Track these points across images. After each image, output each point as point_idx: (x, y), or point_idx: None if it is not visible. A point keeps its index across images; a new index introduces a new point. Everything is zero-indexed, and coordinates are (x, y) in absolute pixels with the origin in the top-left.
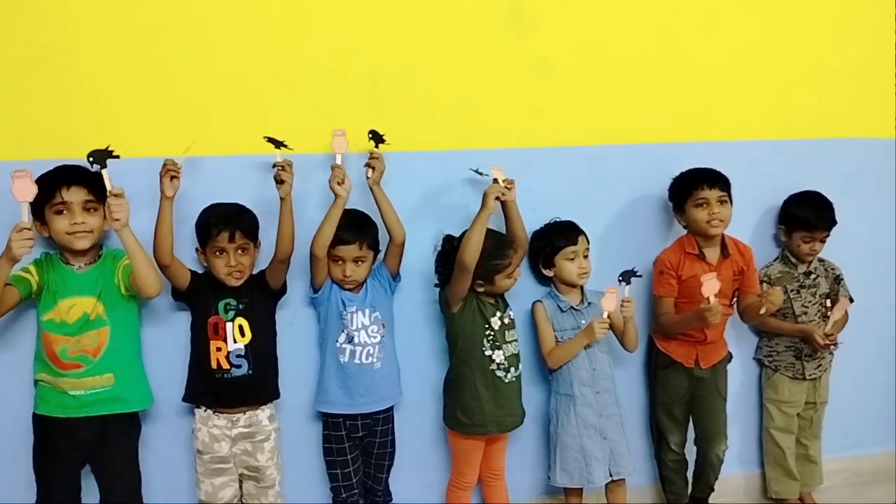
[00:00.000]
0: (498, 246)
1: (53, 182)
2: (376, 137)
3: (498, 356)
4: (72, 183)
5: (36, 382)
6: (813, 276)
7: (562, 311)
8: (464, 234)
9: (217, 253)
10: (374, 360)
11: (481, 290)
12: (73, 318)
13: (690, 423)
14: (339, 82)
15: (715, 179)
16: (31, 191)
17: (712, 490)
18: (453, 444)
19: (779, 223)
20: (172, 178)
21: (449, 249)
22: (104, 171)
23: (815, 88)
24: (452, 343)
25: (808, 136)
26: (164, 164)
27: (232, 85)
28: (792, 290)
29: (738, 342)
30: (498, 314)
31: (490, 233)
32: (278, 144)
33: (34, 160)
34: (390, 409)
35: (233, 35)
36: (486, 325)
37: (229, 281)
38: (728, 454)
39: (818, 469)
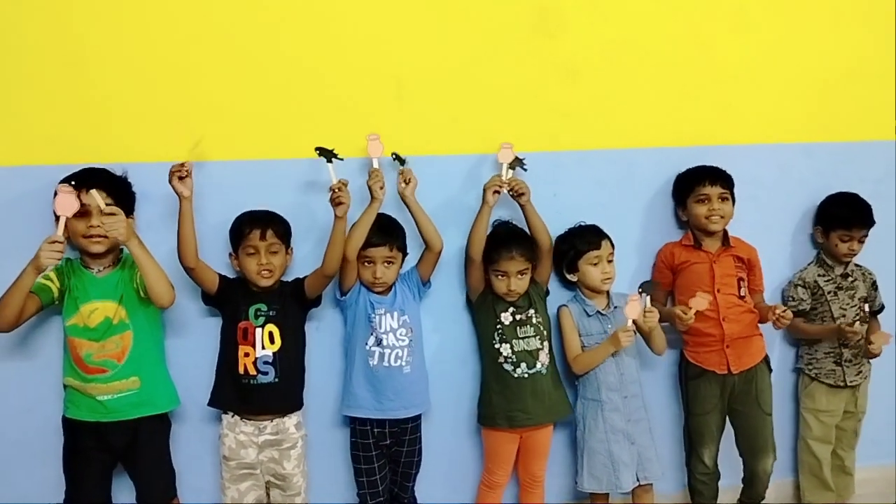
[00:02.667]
0: (496, 243)
1: (73, 185)
2: (399, 159)
3: (505, 349)
4: (91, 187)
5: (65, 387)
6: (850, 278)
7: (588, 315)
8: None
9: (249, 253)
10: (403, 363)
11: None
12: (95, 323)
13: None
14: (365, 86)
15: (717, 177)
16: (74, 207)
17: (762, 499)
18: (483, 439)
19: (815, 224)
20: (182, 178)
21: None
22: (94, 192)
23: (845, 91)
24: (477, 338)
25: (838, 139)
26: (171, 170)
27: (257, 89)
28: (829, 293)
29: (772, 350)
30: (511, 310)
31: (498, 227)
32: (330, 156)
33: (58, 165)
34: (418, 417)
35: (258, 39)
36: (497, 319)
37: (259, 280)
38: None
39: (852, 481)
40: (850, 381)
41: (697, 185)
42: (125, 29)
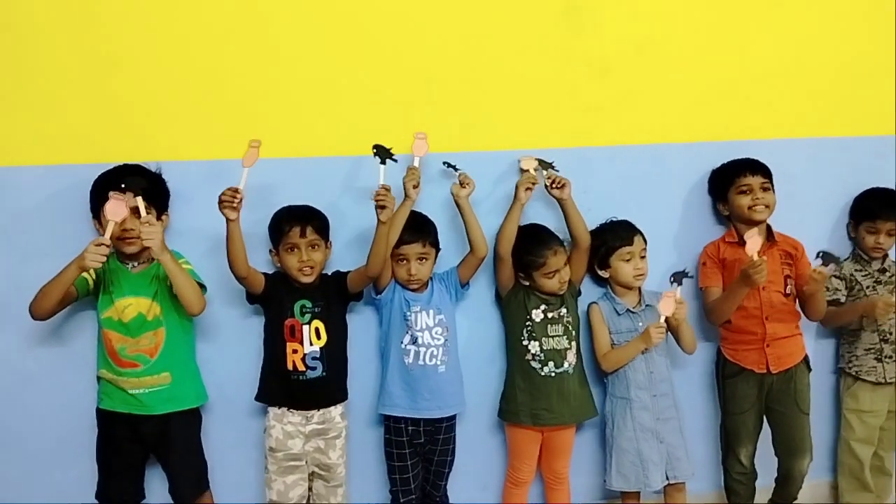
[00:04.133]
0: (533, 242)
1: (108, 184)
2: (451, 166)
3: (533, 347)
4: (128, 184)
5: (98, 379)
6: (889, 273)
7: (618, 313)
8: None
9: (289, 249)
10: (438, 362)
11: (526, 283)
12: (129, 318)
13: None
14: (396, 84)
15: (757, 167)
16: (123, 213)
17: (794, 500)
18: (507, 435)
19: (849, 218)
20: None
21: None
22: (139, 199)
23: (881, 83)
24: (505, 334)
25: (874, 132)
26: (220, 198)
27: (290, 88)
28: (868, 287)
29: (812, 350)
30: (543, 307)
31: (529, 228)
32: (385, 157)
33: (94, 164)
34: (453, 417)
35: (289, 39)
36: (527, 316)
37: (300, 277)
38: None
39: (891, 481)
40: (891, 378)
41: (738, 176)
42: (160, 26)
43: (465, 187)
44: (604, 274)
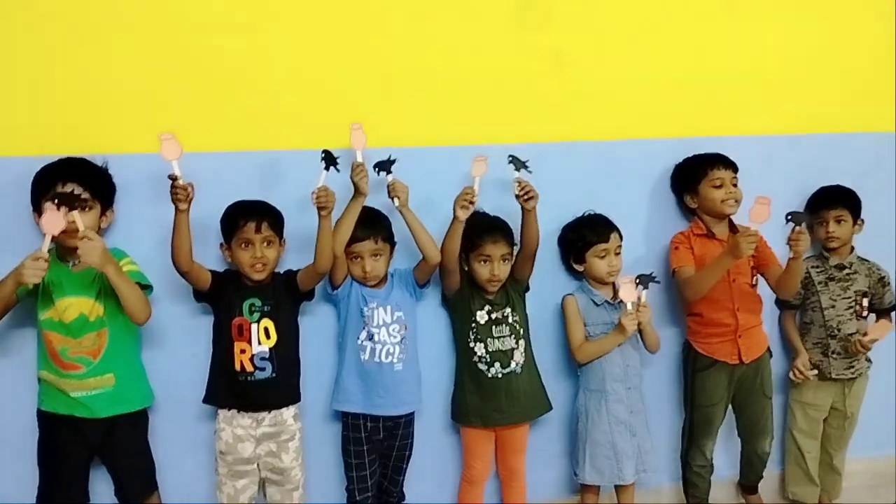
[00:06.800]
0: (478, 230)
1: (50, 176)
2: (383, 166)
3: (479, 349)
4: (66, 179)
5: (39, 380)
6: (846, 270)
7: (596, 304)
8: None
9: (243, 245)
10: (395, 360)
11: (466, 268)
12: (70, 318)
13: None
14: (350, 78)
15: (728, 162)
16: (60, 225)
17: (760, 478)
18: (461, 434)
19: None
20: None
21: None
22: (75, 213)
23: (834, 81)
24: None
25: (823, 130)
26: (174, 190)
27: (242, 82)
28: (820, 283)
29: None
30: (487, 308)
31: (479, 215)
32: (330, 164)
33: (38, 156)
34: (412, 414)
35: (243, 32)
36: (472, 318)
37: (252, 274)
38: None
39: (840, 479)
40: (836, 374)
41: (711, 169)
42: (105, 18)
43: (397, 198)
44: (578, 268)
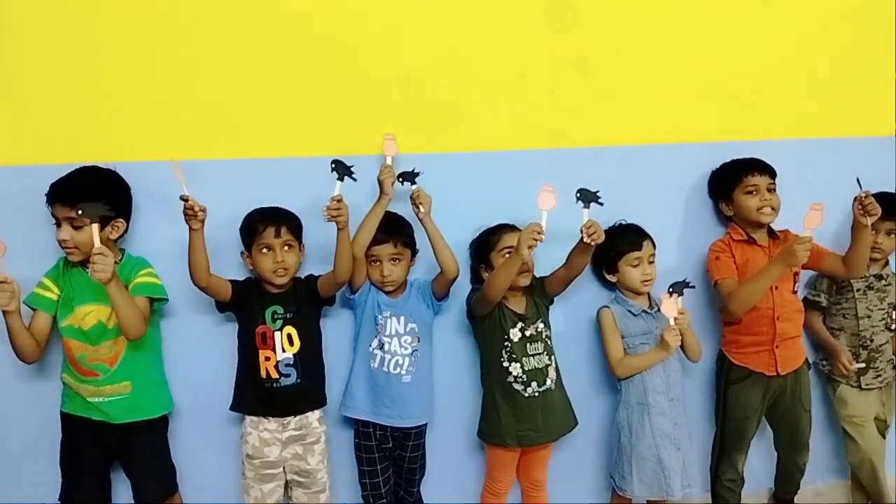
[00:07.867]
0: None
1: (54, 194)
2: (408, 177)
3: (515, 369)
4: (84, 200)
5: (62, 382)
6: (884, 281)
7: (633, 315)
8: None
9: (263, 250)
10: (403, 372)
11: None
12: (89, 325)
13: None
14: (373, 84)
15: (764, 167)
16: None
17: (797, 491)
18: (487, 451)
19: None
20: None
21: (480, 245)
22: (95, 226)
23: (868, 85)
24: (480, 352)
25: (864, 133)
26: (186, 210)
27: (265, 88)
28: (859, 290)
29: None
30: (519, 325)
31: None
32: (343, 173)
33: (55, 164)
34: (423, 426)
35: (267, 37)
36: (505, 337)
37: (274, 279)
38: None
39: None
40: (866, 385)
41: (745, 175)
42: (125, 26)
43: (420, 206)
44: (611, 278)
